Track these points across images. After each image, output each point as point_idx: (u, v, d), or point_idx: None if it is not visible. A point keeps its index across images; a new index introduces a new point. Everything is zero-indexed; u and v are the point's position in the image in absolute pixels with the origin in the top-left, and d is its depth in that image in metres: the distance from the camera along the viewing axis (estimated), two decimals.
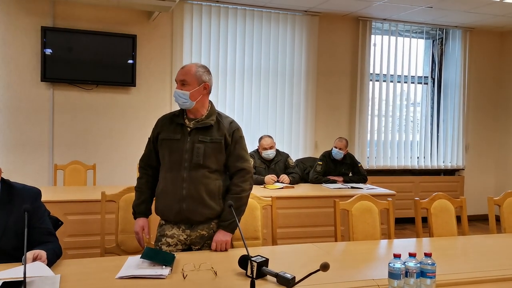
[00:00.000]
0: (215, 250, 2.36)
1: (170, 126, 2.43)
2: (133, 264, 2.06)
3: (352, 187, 4.72)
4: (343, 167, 5.16)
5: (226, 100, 5.88)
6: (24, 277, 1.52)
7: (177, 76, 2.39)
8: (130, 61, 5.34)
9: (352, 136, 6.49)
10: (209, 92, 2.44)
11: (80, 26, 5.19)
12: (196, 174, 2.35)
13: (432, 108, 7.07)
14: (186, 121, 2.42)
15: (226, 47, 5.83)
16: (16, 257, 2.01)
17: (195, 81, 2.36)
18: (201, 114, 2.42)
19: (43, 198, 3.25)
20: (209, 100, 2.48)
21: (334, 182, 4.97)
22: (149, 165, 2.51)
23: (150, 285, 1.86)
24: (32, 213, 2.08)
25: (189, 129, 2.39)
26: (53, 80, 5.13)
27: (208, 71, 2.43)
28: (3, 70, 5.03)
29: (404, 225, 6.39)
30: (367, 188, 4.70)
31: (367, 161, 6.64)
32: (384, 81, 6.66)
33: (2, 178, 2.14)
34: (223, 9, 5.77)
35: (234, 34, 5.87)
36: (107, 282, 1.88)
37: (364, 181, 5.10)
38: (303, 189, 4.59)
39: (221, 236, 2.36)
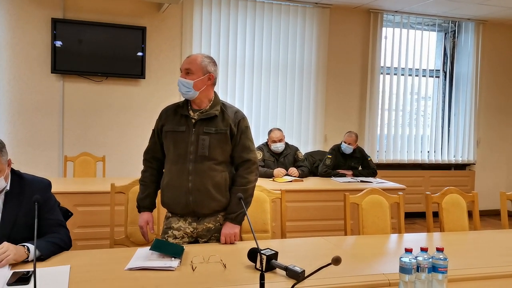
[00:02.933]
0: (225, 243, 2.36)
1: (174, 118, 2.39)
2: (142, 256, 2.06)
3: (361, 181, 4.69)
4: (352, 160, 5.12)
5: (235, 93, 5.86)
6: (34, 267, 1.52)
7: (182, 65, 2.36)
8: (140, 53, 5.33)
9: (362, 129, 6.44)
10: (214, 83, 2.40)
11: (90, 18, 5.19)
12: (202, 166, 2.32)
13: (444, 102, 6.99)
14: (191, 112, 2.38)
15: (235, 40, 5.80)
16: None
17: (200, 70, 2.32)
18: (205, 104, 2.38)
19: (53, 190, 3.28)
20: (214, 91, 2.44)
21: (344, 175, 4.94)
22: (154, 157, 2.48)
23: (159, 277, 1.86)
24: (42, 204, 2.08)
25: (193, 120, 2.35)
26: (63, 72, 5.14)
27: (213, 62, 2.39)
28: (14, 62, 5.05)
29: (414, 219, 6.35)
30: (376, 182, 4.67)
31: (377, 155, 6.59)
32: (395, 74, 6.59)
33: (12, 169, 2.14)
34: (233, 1, 5.74)
35: (244, 26, 5.83)
36: (116, 273, 1.88)
37: (373, 175, 5.07)
38: (312, 183, 4.57)
39: (229, 229, 2.34)
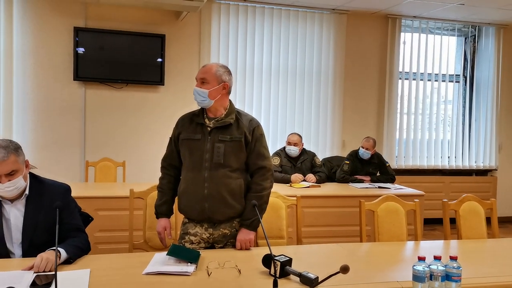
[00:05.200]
0: (240, 249, 2.39)
1: (190, 126, 2.44)
2: (160, 261, 2.11)
3: (379, 187, 4.68)
4: (370, 166, 5.11)
5: (253, 100, 5.91)
6: (56, 271, 1.58)
7: (198, 75, 2.41)
8: (159, 60, 5.43)
9: (380, 134, 6.41)
10: (229, 92, 2.45)
11: (111, 26, 5.31)
12: (217, 173, 2.36)
13: (464, 106, 6.91)
14: (206, 120, 2.43)
15: (253, 47, 5.86)
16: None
17: (214, 80, 2.37)
18: (220, 113, 2.42)
19: (75, 194, 3.37)
20: (229, 100, 2.48)
21: (361, 181, 4.93)
22: (171, 165, 2.54)
23: (175, 281, 1.90)
24: (62, 209, 2.16)
25: (209, 128, 2.40)
26: (85, 79, 5.27)
27: (228, 72, 2.44)
28: (38, 69, 5.20)
29: (434, 226, 6.27)
30: (394, 188, 4.65)
31: (396, 161, 6.55)
32: (414, 79, 6.55)
33: (32, 174, 2.22)
34: (251, 8, 5.80)
35: (261, 33, 5.88)
36: (134, 277, 1.94)
37: (392, 181, 5.05)
38: (330, 188, 4.58)
39: (244, 235, 2.38)
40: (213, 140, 2.38)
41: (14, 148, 2.07)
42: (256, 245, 2.81)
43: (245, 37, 5.81)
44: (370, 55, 6.35)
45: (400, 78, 6.47)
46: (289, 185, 4.59)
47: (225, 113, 2.43)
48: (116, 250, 3.60)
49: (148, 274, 1.97)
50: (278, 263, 1.96)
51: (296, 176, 4.66)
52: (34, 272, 1.89)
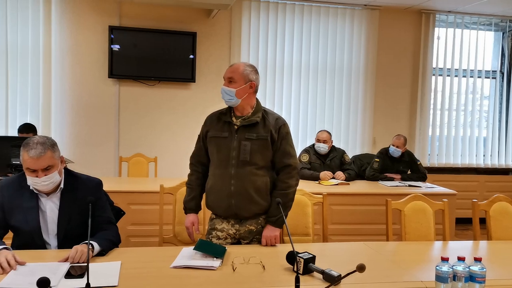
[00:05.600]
0: (266, 245, 2.43)
1: (218, 124, 2.50)
2: (187, 255, 2.17)
3: (409, 185, 4.62)
4: (401, 164, 5.05)
5: (283, 97, 5.93)
6: (88, 262, 1.66)
7: (225, 74, 2.46)
8: (191, 58, 5.52)
9: (412, 132, 6.32)
10: (256, 91, 2.49)
11: (144, 25, 5.44)
12: (244, 171, 2.41)
13: (501, 103, 6.71)
14: (233, 118, 2.48)
15: (283, 44, 5.87)
16: (79, 243, 2.16)
17: (242, 79, 2.41)
18: (247, 111, 2.47)
19: (109, 188, 3.50)
20: (256, 98, 2.52)
21: (391, 179, 4.88)
22: (199, 161, 2.60)
23: (201, 275, 1.96)
24: (94, 203, 2.26)
25: (236, 126, 2.45)
26: (119, 77, 5.43)
27: (255, 71, 2.48)
28: (75, 67, 5.39)
29: (467, 225, 6.11)
30: (425, 187, 4.58)
31: (428, 159, 6.43)
32: (448, 75, 6.41)
33: (66, 168, 2.33)
34: (281, 5, 5.81)
35: (292, 30, 5.89)
36: (163, 270, 2.01)
37: (423, 179, 4.97)
38: (359, 186, 4.56)
39: (270, 232, 2.42)
40: (240, 138, 2.43)
41: (50, 145, 2.18)
42: (282, 241, 2.85)
43: (275, 34, 5.83)
44: (402, 51, 6.25)
45: (434, 74, 6.34)
46: (317, 182, 4.59)
47: (252, 111, 2.47)
48: (147, 243, 3.72)
49: (175, 267, 2.04)
50: (302, 260, 1.99)
51: (325, 174, 4.66)
52: (70, 263, 1.99)
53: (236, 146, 2.42)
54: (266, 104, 5.85)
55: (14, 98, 5.27)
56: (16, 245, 2.33)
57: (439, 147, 6.48)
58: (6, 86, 5.22)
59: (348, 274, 1.57)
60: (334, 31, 6.01)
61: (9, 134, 5.09)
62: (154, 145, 5.54)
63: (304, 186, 4.29)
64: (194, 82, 5.59)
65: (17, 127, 4.44)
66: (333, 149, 4.94)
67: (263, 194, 2.45)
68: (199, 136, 2.61)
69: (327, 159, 4.88)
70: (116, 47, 5.33)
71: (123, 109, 5.53)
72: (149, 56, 5.42)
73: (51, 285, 1.74)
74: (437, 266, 1.71)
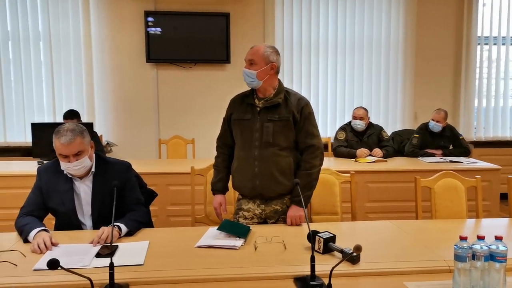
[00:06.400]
0: (291, 225, 2.47)
1: (241, 107, 2.54)
2: (212, 235, 2.25)
3: (450, 161, 4.48)
4: (442, 139, 4.89)
5: (319, 74, 5.86)
6: (111, 242, 1.77)
7: (246, 56, 2.48)
8: (225, 39, 5.55)
9: (456, 104, 6.08)
10: (277, 72, 2.50)
11: (178, 8, 5.50)
12: (267, 152, 2.44)
13: None
14: (256, 100, 2.51)
15: (318, 20, 5.77)
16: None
17: (262, 61, 2.42)
18: (269, 93, 2.49)
19: (149, 170, 3.64)
20: (278, 79, 2.53)
21: (432, 155, 4.75)
22: (225, 144, 2.66)
23: (222, 254, 2.03)
24: (123, 185, 2.39)
25: (258, 108, 2.48)
26: (157, 61, 5.55)
27: (276, 52, 2.48)
28: (114, 53, 5.56)
29: None
30: (468, 162, 4.43)
31: (474, 132, 6.18)
32: (495, 44, 6.08)
33: (97, 153, 2.45)
34: None
35: (326, 5, 5.76)
36: (187, 249, 2.09)
37: (466, 154, 4.80)
38: (397, 163, 4.47)
39: (294, 211, 2.45)
40: (262, 119, 2.45)
41: (79, 131, 2.30)
42: (310, 221, 2.88)
43: (309, 11, 5.73)
44: (444, 21, 5.98)
45: (479, 44, 6.03)
46: (354, 160, 4.55)
47: (274, 92, 2.49)
48: (184, 223, 3.85)
49: (199, 247, 2.11)
50: (321, 240, 2.02)
51: (361, 151, 4.60)
52: (101, 244, 2.11)
53: (258, 128, 2.45)
54: (302, 83, 5.81)
55: (60, 86, 5.52)
56: (56, 226, 2.51)
57: (485, 119, 6.20)
58: (52, 76, 5.48)
59: (343, 260, 1.59)
60: (370, 4, 5.83)
61: (57, 121, 5.36)
62: (191, 127, 5.66)
63: (340, 164, 4.33)
64: (229, 63, 5.63)
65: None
66: (370, 126, 4.86)
67: (287, 174, 2.47)
68: (224, 118, 2.66)
69: (364, 136, 4.81)
70: (153, 30, 5.43)
71: (162, 93, 5.67)
72: (185, 39, 5.50)
73: (84, 265, 1.88)
74: (456, 245, 1.68)
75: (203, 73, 5.68)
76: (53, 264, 1.30)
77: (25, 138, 5.39)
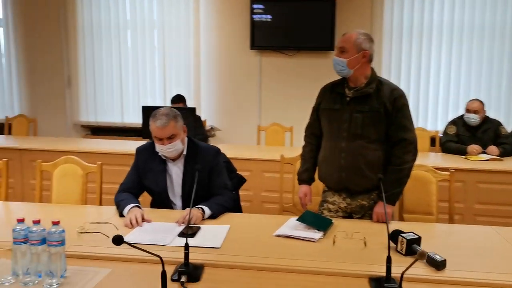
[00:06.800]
0: (377, 221, 2.35)
1: (330, 96, 2.46)
2: (291, 225, 2.22)
3: None
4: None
5: (430, 62, 5.45)
6: (188, 223, 1.84)
7: (337, 43, 2.40)
8: (329, 25, 5.41)
9: None
10: (370, 60, 2.36)
11: None
12: (355, 144, 2.34)
13: None
14: (346, 90, 2.40)
15: (432, 5, 5.35)
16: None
17: (353, 48, 2.31)
18: (361, 82, 2.37)
19: (247, 156, 3.69)
20: (371, 68, 2.40)
21: None
22: (313, 133, 2.60)
23: (299, 245, 2.00)
24: (211, 169, 2.46)
25: (348, 98, 2.38)
26: (260, 48, 5.62)
27: (369, 39, 2.35)
28: (219, 39, 5.74)
29: None
30: None
31: None
32: None
33: (189, 137, 2.55)
34: None
35: None
36: (265, 237, 2.09)
37: None
38: None
39: (381, 208, 2.32)
40: (351, 110, 2.35)
41: (173, 116, 2.41)
42: (401, 219, 2.72)
43: None
44: None
45: None
46: (464, 157, 4.18)
47: (366, 82, 2.37)
48: (275, 210, 3.87)
49: (277, 236, 2.10)
50: (404, 240, 1.89)
51: (472, 148, 4.21)
52: (184, 224, 2.21)
53: (347, 119, 2.36)
54: (411, 72, 5.47)
55: (170, 72, 5.87)
56: (152, 204, 2.68)
57: None
58: (163, 62, 5.84)
59: (411, 264, 1.46)
60: None
61: (166, 105, 5.72)
62: (291, 114, 5.63)
63: (448, 160, 4.01)
64: (333, 50, 5.47)
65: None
66: (486, 120, 4.42)
67: (375, 168, 2.34)
68: (313, 107, 2.61)
69: (479, 132, 4.39)
70: (259, 17, 5.48)
71: (264, 80, 5.73)
72: (288, 26, 5.48)
73: (166, 243, 1.98)
74: None
75: (306, 60, 5.62)
76: (118, 240, 1.37)
77: (139, 119, 5.82)
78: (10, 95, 6.23)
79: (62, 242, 1.62)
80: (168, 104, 5.17)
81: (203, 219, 2.30)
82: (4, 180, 2.90)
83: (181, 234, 2.08)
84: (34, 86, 6.18)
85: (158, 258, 1.45)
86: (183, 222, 2.19)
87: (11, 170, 4.25)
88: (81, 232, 2.06)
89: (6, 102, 6.24)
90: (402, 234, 1.91)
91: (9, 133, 5.86)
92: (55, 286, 1.59)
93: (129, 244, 1.41)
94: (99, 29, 5.91)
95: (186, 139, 2.54)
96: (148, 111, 4.56)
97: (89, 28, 5.92)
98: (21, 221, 1.63)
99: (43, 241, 1.61)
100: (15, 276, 1.62)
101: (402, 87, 2.61)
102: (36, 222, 1.62)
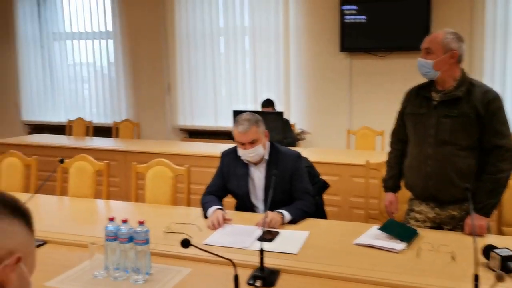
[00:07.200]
0: (470, 234, 2.18)
1: (416, 100, 2.34)
2: (373, 234, 2.15)
3: None
4: None
5: (505, 63, 4.88)
6: (264, 226, 1.86)
7: (422, 44, 2.26)
8: (424, 25, 5.12)
9: None
10: (459, 61, 2.20)
11: None
12: (443, 151, 2.20)
13: None
14: (433, 93, 2.26)
15: None
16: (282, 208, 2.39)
17: (440, 49, 2.17)
18: (449, 85, 2.21)
19: (335, 160, 3.66)
20: (461, 69, 2.23)
21: None
22: (399, 139, 2.49)
23: (380, 256, 1.93)
24: (292, 174, 2.47)
25: (435, 102, 2.23)
26: (350, 50, 5.50)
27: (458, 38, 2.19)
28: (310, 41, 5.71)
29: None
30: None
31: None
32: None
33: (271, 142, 2.58)
34: None
35: None
36: (343, 245, 2.05)
37: None
38: None
39: (474, 220, 2.15)
40: (439, 115, 2.21)
41: (255, 121, 2.46)
42: (499, 233, 2.50)
43: None
44: None
45: None
46: None
47: (455, 84, 2.21)
48: (364, 216, 3.76)
49: (357, 244, 2.05)
50: (498, 257, 1.74)
51: None
52: (264, 228, 2.24)
53: (434, 124, 2.22)
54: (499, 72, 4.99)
55: (261, 76, 5.98)
56: (236, 207, 2.76)
57: None
58: (254, 67, 5.96)
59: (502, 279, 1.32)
60: None
61: (257, 109, 5.83)
62: (382, 118, 5.42)
63: None
64: None
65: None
66: None
67: (466, 177, 2.17)
68: (398, 112, 2.51)
69: None
70: (353, 18, 5.36)
71: (355, 82, 5.60)
72: (380, 27, 5.29)
73: (245, 246, 2.03)
74: None
75: (399, 61, 5.39)
76: (185, 243, 1.44)
77: (232, 123, 6.01)
78: (118, 101, 6.77)
79: (147, 241, 1.73)
80: (259, 108, 5.27)
81: (283, 223, 2.31)
82: (105, 179, 3.17)
83: (260, 238, 2.11)
84: (138, 93, 6.65)
85: (236, 262, 1.48)
86: (262, 225, 2.23)
87: (117, 170, 4.65)
88: (167, 232, 2.19)
89: (115, 108, 6.80)
90: (496, 250, 1.76)
91: (117, 136, 6.37)
92: (140, 282, 1.71)
93: (198, 247, 1.47)
94: (195, 38, 6.20)
95: (268, 143, 2.57)
96: (237, 115, 4.74)
97: (186, 37, 6.24)
98: (112, 220, 1.78)
99: (130, 239, 1.74)
100: (107, 271, 1.77)
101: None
102: (124, 222, 1.75)
